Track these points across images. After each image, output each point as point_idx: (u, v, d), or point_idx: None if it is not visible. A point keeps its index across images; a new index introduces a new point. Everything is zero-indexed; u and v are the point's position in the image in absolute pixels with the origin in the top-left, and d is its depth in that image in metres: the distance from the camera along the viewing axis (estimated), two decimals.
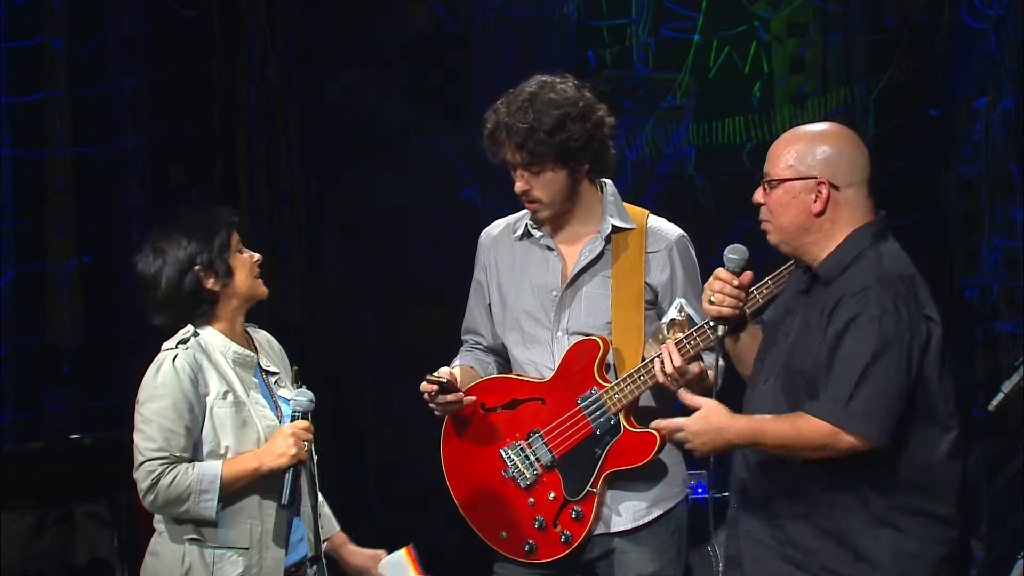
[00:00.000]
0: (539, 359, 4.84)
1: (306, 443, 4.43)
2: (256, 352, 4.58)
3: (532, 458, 4.80)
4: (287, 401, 4.52)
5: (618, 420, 4.72)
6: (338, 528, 4.78)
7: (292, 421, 4.46)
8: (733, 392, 4.36)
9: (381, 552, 4.77)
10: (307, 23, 8.15)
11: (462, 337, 5.08)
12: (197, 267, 4.47)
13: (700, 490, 6.52)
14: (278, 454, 4.40)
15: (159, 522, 4.49)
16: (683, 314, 4.62)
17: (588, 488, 4.74)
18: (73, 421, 7.73)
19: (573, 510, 4.76)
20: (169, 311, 4.50)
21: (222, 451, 4.41)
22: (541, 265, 4.87)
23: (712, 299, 4.24)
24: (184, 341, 4.46)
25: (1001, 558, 6.99)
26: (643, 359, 4.72)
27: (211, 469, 4.38)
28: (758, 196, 4.14)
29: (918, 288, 4.04)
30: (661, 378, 4.60)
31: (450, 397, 4.79)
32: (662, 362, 4.59)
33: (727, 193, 8.00)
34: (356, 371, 8.17)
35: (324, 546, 4.69)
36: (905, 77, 7.86)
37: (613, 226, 4.82)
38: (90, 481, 6.67)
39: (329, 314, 8.17)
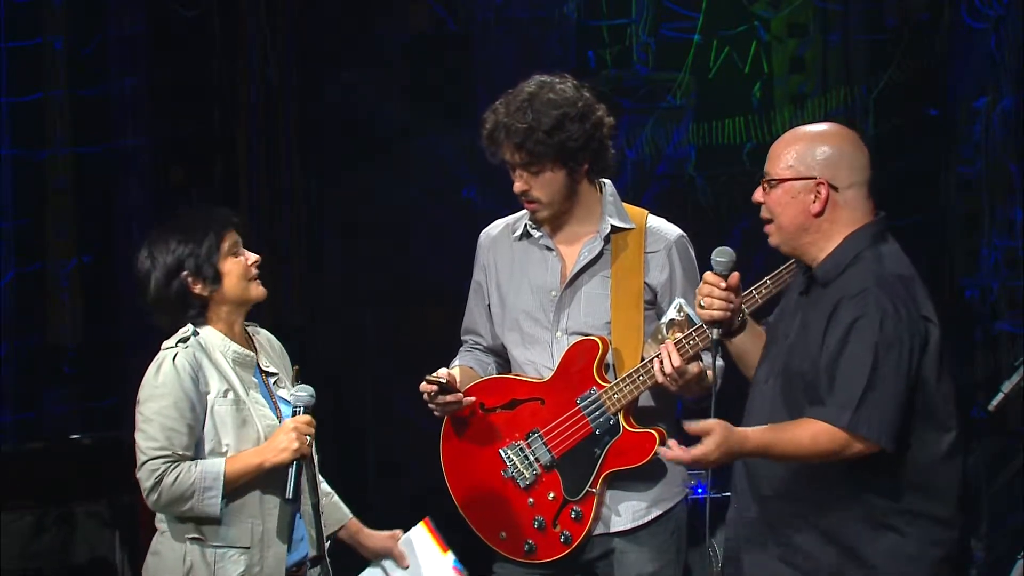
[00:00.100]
0: (538, 359, 4.84)
1: (308, 437, 4.43)
2: (256, 352, 4.58)
3: (531, 458, 4.80)
4: (286, 402, 4.53)
5: (617, 420, 4.72)
6: (350, 515, 4.78)
7: (293, 416, 4.47)
8: (733, 393, 4.37)
9: (398, 532, 4.78)
10: (307, 23, 8.15)
11: (462, 337, 5.08)
12: (184, 272, 4.46)
13: (700, 490, 6.52)
14: (280, 449, 4.40)
15: (160, 521, 4.49)
16: (682, 314, 4.62)
17: (587, 488, 4.74)
18: (73, 421, 7.74)
19: (572, 510, 4.76)
20: (161, 313, 4.51)
21: (223, 449, 4.41)
22: (540, 265, 4.87)
23: (702, 303, 4.24)
24: (184, 340, 4.46)
25: (1001, 558, 6.99)
26: (642, 359, 4.72)
27: (214, 466, 4.38)
28: (758, 195, 4.15)
29: (916, 289, 4.04)
30: (660, 378, 4.60)
31: (449, 398, 4.79)
32: (661, 362, 4.59)
33: (727, 193, 8.00)
34: (356, 371, 8.17)
35: (340, 534, 4.73)
36: (905, 77, 7.86)
37: (612, 226, 4.82)
38: (90, 481, 6.67)
39: (329, 314, 8.16)
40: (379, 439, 8.15)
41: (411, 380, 4.88)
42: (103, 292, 7.84)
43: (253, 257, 4.55)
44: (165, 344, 4.48)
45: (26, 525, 6.60)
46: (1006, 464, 7.28)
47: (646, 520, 4.80)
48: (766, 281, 4.47)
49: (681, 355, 4.57)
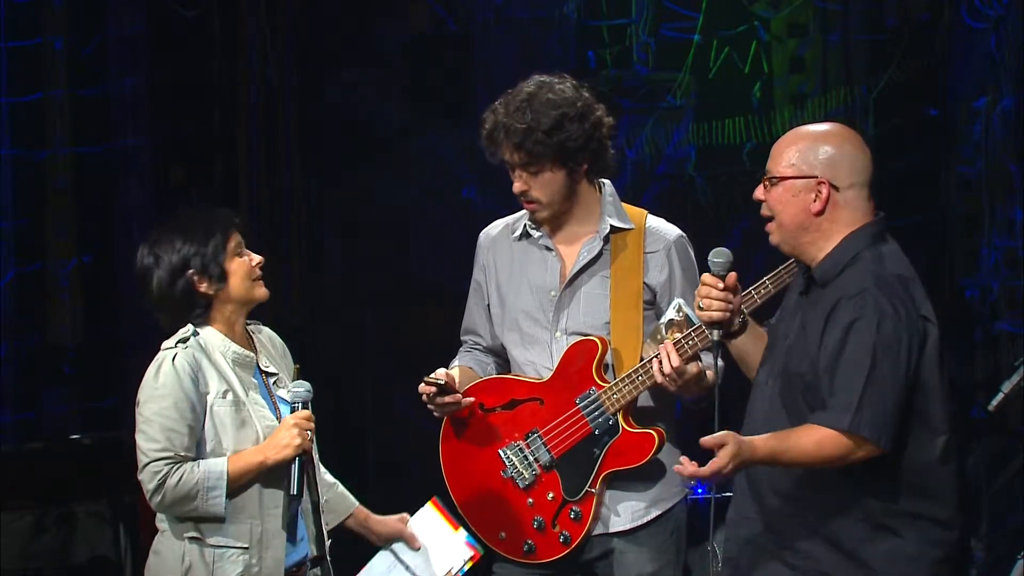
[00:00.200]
0: (538, 359, 4.84)
1: (309, 432, 4.43)
2: (256, 352, 4.58)
3: (531, 458, 4.80)
4: (286, 402, 4.53)
5: (616, 420, 4.72)
6: (357, 503, 4.79)
7: (292, 412, 4.47)
8: (733, 394, 4.36)
9: (405, 515, 4.80)
10: (307, 23, 8.15)
11: (461, 337, 5.08)
12: (190, 271, 4.46)
13: (700, 490, 6.51)
14: (283, 445, 4.40)
15: (161, 521, 4.49)
16: (681, 314, 4.62)
17: (587, 488, 4.74)
18: (73, 421, 7.74)
19: (572, 510, 4.76)
20: (164, 312, 4.51)
21: (223, 450, 4.41)
22: (540, 265, 4.87)
23: (700, 304, 4.24)
24: (184, 340, 4.46)
25: (1001, 558, 6.98)
26: (641, 359, 4.72)
27: (217, 466, 4.38)
28: (759, 193, 4.14)
29: (915, 289, 4.03)
30: (659, 378, 4.60)
31: (448, 399, 4.78)
32: (660, 362, 4.59)
33: (727, 193, 8.00)
34: (356, 371, 8.17)
35: (348, 522, 4.74)
36: (905, 77, 7.86)
37: (611, 226, 4.82)
38: (90, 481, 6.67)
39: (329, 314, 8.16)
40: (379, 439, 8.15)
41: (411, 380, 4.88)
42: (103, 292, 7.84)
43: (257, 258, 4.56)
44: (165, 344, 4.48)
45: (27, 525, 6.60)
46: (1006, 464, 7.28)
47: (645, 520, 4.80)
48: (765, 281, 4.47)
49: (680, 355, 4.57)
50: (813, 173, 4.07)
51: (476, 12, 8.17)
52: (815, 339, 4.02)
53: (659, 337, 4.64)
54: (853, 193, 4.08)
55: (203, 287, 4.47)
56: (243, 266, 4.52)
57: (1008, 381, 6.62)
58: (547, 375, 4.81)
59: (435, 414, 4.85)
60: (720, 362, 4.31)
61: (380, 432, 8.13)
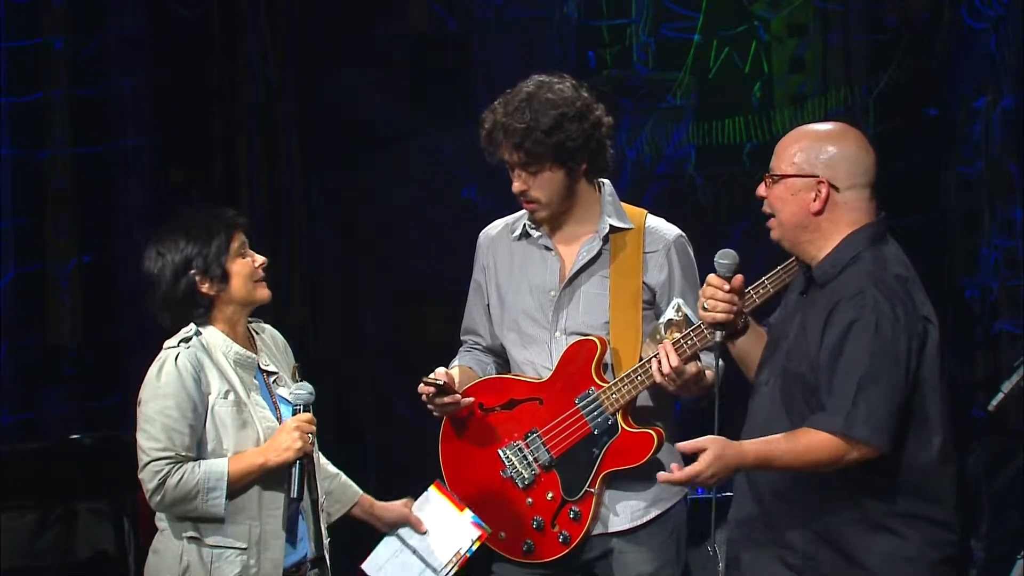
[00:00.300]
0: (537, 359, 4.84)
1: (310, 435, 4.44)
2: (257, 353, 4.58)
3: (530, 458, 4.80)
4: (286, 402, 4.53)
5: (616, 420, 4.72)
6: (361, 492, 4.80)
7: (294, 415, 4.47)
8: (734, 394, 4.36)
9: (409, 499, 4.82)
10: (307, 23, 8.15)
11: (461, 337, 5.08)
12: (193, 271, 4.47)
13: (700, 490, 6.51)
14: (283, 448, 4.40)
15: (160, 520, 4.50)
16: (680, 314, 4.62)
17: (586, 488, 4.74)
18: (73, 421, 7.74)
19: (571, 510, 4.76)
20: (167, 311, 4.51)
21: (223, 450, 4.42)
22: (539, 265, 4.87)
23: (705, 305, 4.24)
24: (186, 340, 4.47)
25: (1001, 558, 6.98)
26: (641, 359, 4.71)
27: (218, 466, 4.38)
28: (761, 190, 4.15)
29: (915, 290, 4.03)
30: (658, 378, 4.60)
31: (447, 399, 4.79)
32: (659, 362, 4.58)
33: (727, 193, 8.00)
34: (356, 371, 8.17)
35: (354, 511, 4.76)
36: (905, 77, 7.86)
37: (611, 226, 4.81)
38: (91, 481, 6.67)
39: (329, 314, 8.16)
40: (379, 439, 8.15)
41: (411, 380, 4.88)
42: (103, 292, 7.84)
43: (260, 259, 4.56)
44: (167, 344, 4.49)
45: (28, 523, 6.60)
46: (1006, 464, 7.28)
47: (645, 520, 4.80)
48: (764, 282, 4.47)
49: (679, 355, 4.56)
50: (814, 172, 4.07)
51: (476, 12, 8.17)
52: (815, 340, 4.02)
53: (658, 337, 4.64)
54: (853, 194, 4.08)
55: (205, 287, 4.48)
56: (246, 267, 4.52)
57: (1008, 381, 6.62)
58: (546, 375, 4.81)
59: (435, 414, 4.86)
60: (720, 362, 4.32)
61: (380, 432, 8.13)
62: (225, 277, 4.49)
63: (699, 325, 4.54)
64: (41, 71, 7.80)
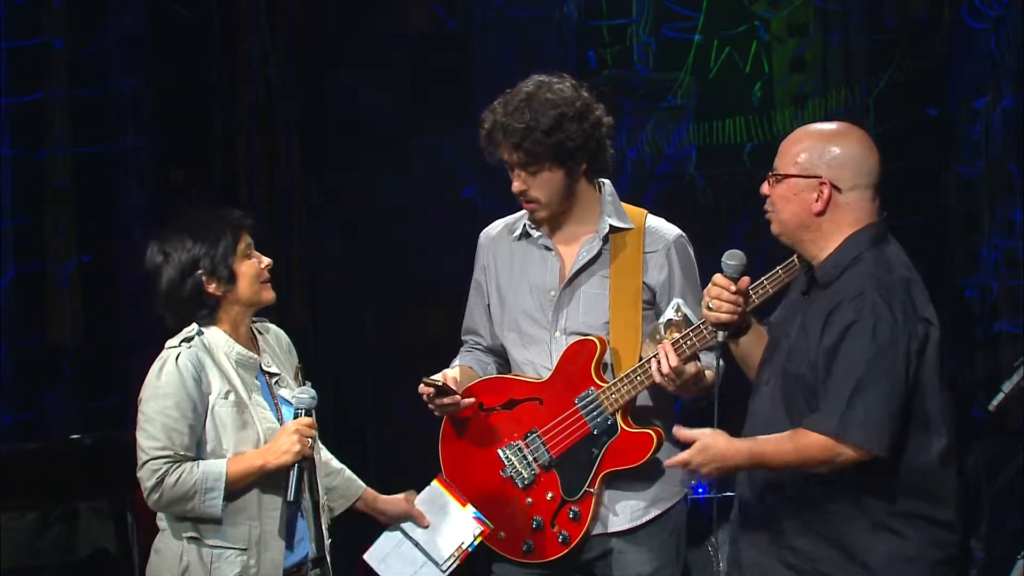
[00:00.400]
0: (537, 359, 4.84)
1: (310, 440, 4.44)
2: (260, 353, 4.57)
3: (530, 458, 4.80)
4: (288, 403, 4.53)
5: (615, 420, 4.72)
6: (364, 486, 4.81)
7: (295, 419, 4.47)
8: (735, 394, 4.36)
9: (412, 492, 4.83)
10: (307, 23, 8.15)
11: (462, 337, 5.08)
12: (200, 271, 4.46)
13: (700, 490, 6.51)
14: (282, 451, 4.40)
15: (161, 520, 4.50)
16: (680, 314, 4.61)
17: (585, 488, 4.74)
18: (73, 421, 7.74)
19: (571, 510, 4.75)
20: (171, 310, 4.51)
21: (223, 450, 4.41)
22: (539, 265, 4.87)
23: (710, 305, 4.24)
24: (188, 340, 4.46)
25: (1001, 558, 6.98)
26: (640, 359, 4.71)
27: (216, 467, 4.38)
28: (764, 188, 4.14)
29: (916, 291, 4.02)
30: (658, 378, 4.60)
31: (447, 400, 4.79)
32: (658, 362, 4.58)
33: (727, 193, 8.00)
34: (356, 371, 8.17)
35: (358, 505, 4.77)
36: (905, 77, 7.86)
37: (611, 226, 4.81)
38: (91, 482, 6.67)
39: (329, 314, 8.16)
40: (379, 439, 8.15)
41: (411, 380, 4.88)
42: (103, 292, 7.84)
43: (266, 261, 4.56)
44: (169, 343, 4.48)
45: (29, 523, 6.60)
46: (1006, 464, 7.27)
47: (644, 520, 4.80)
48: (763, 281, 4.46)
49: (678, 355, 4.56)
50: (817, 173, 4.07)
51: (476, 12, 8.17)
52: (815, 340, 4.01)
53: (658, 337, 4.64)
54: (856, 195, 4.07)
55: (211, 288, 4.47)
56: (252, 268, 4.52)
57: (1008, 381, 6.62)
58: (546, 375, 4.81)
59: (435, 414, 4.86)
60: (720, 362, 4.32)
61: (380, 432, 8.14)
62: (232, 278, 4.48)
63: (698, 325, 4.54)
64: (41, 71, 7.81)
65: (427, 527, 4.83)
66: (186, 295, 4.46)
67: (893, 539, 3.99)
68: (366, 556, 4.86)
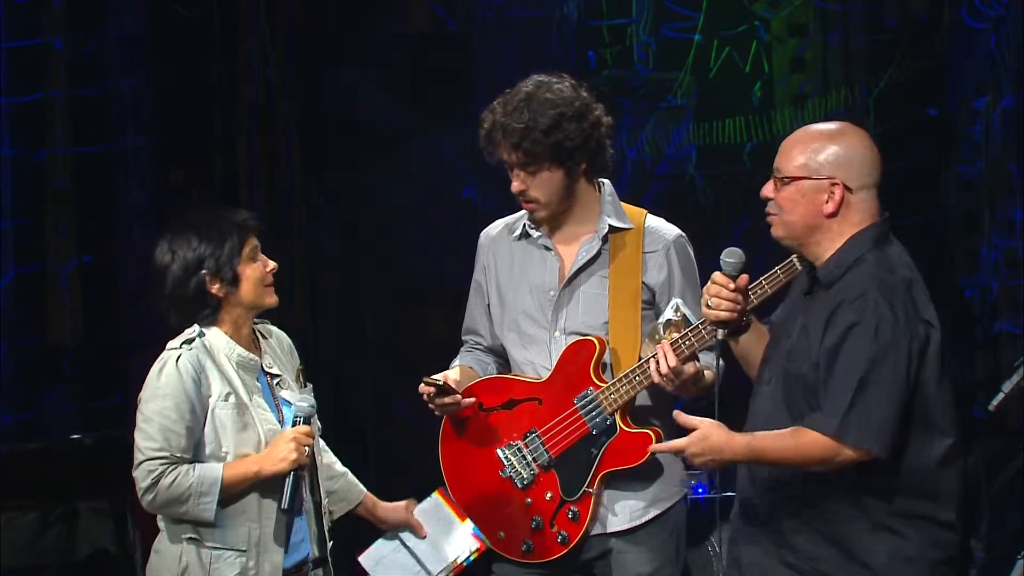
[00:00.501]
0: (536, 359, 4.84)
1: (307, 448, 4.43)
2: (261, 355, 4.57)
3: (529, 458, 4.80)
4: (288, 404, 4.52)
5: (614, 420, 4.71)
6: (365, 491, 4.82)
7: (293, 426, 4.46)
8: (735, 393, 4.36)
9: (412, 501, 4.84)
10: (307, 23, 8.15)
11: (462, 337, 5.08)
12: (204, 271, 4.46)
13: (700, 490, 6.51)
14: (279, 459, 4.39)
15: (161, 520, 4.50)
16: (679, 314, 4.61)
17: (584, 488, 4.73)
18: (73, 421, 7.74)
19: (570, 510, 4.75)
20: (174, 309, 4.50)
21: (222, 454, 4.41)
22: (539, 265, 4.87)
23: (709, 303, 4.23)
24: (189, 341, 4.46)
25: (1001, 558, 6.98)
26: (640, 359, 4.71)
27: (212, 472, 4.38)
28: (767, 191, 4.11)
29: (917, 292, 4.01)
30: (656, 378, 4.59)
31: (447, 399, 4.78)
32: (657, 362, 4.58)
33: (727, 193, 8.00)
34: (356, 371, 8.17)
35: (358, 510, 4.78)
36: (905, 77, 7.86)
37: (610, 226, 4.81)
38: (91, 482, 6.67)
39: (329, 314, 8.16)
40: (379, 439, 8.15)
41: (411, 380, 4.88)
42: (103, 292, 7.84)
43: (271, 264, 4.56)
44: (170, 344, 4.48)
45: (29, 522, 6.60)
46: (1006, 464, 7.27)
47: (644, 520, 4.80)
48: (761, 282, 4.45)
49: (677, 355, 4.56)
50: (826, 174, 4.05)
51: (476, 12, 8.18)
52: (816, 340, 4.01)
53: (657, 337, 4.63)
54: (864, 194, 4.06)
55: (214, 288, 4.47)
56: (256, 271, 4.52)
57: (1008, 381, 6.62)
58: (546, 375, 4.81)
59: (435, 413, 4.86)
60: (720, 362, 4.31)
61: (380, 432, 8.14)
62: (235, 280, 4.48)
63: (698, 325, 4.53)
64: (41, 71, 7.81)
65: (424, 538, 4.83)
66: (189, 294, 4.46)
67: (893, 539, 3.99)
68: (361, 558, 4.86)
